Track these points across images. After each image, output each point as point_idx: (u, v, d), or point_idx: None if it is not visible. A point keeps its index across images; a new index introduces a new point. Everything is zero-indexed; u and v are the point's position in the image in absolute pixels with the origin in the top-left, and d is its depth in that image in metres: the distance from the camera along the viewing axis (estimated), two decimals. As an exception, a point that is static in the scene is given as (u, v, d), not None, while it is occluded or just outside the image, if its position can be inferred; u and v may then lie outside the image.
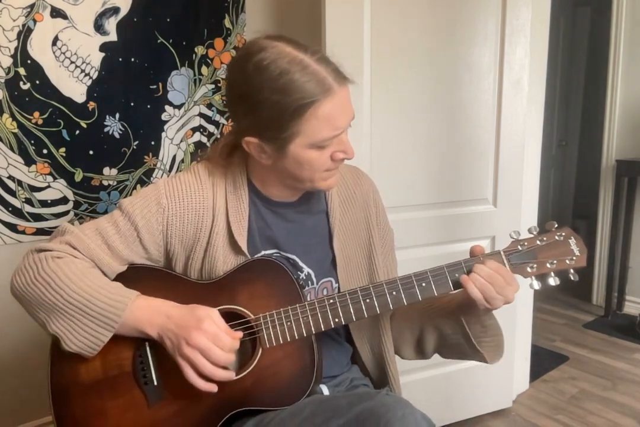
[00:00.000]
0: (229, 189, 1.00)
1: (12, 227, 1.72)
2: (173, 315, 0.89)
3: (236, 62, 0.94)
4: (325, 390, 1.03)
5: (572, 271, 0.94)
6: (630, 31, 2.87)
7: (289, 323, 0.93)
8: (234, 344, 0.89)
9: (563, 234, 0.95)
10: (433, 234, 1.82)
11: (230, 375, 0.89)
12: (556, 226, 0.95)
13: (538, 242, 0.94)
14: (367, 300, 0.93)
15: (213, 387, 0.88)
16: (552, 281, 0.94)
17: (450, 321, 1.01)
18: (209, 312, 0.89)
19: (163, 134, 1.94)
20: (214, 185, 1.00)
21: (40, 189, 1.75)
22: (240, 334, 0.90)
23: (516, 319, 2.03)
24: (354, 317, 0.93)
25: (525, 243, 0.95)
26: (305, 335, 0.92)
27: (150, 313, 0.90)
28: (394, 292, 0.93)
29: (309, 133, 0.89)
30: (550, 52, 2.02)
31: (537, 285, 0.94)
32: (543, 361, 2.47)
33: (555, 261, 0.93)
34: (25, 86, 1.66)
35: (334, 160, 0.94)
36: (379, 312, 0.93)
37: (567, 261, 0.93)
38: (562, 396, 2.21)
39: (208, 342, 0.86)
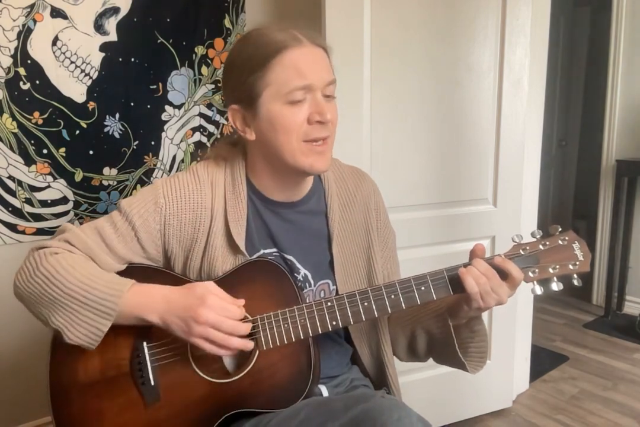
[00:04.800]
0: (227, 188, 1.00)
1: (12, 227, 1.72)
2: (172, 299, 0.89)
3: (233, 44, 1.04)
4: (324, 391, 1.03)
5: (575, 276, 0.92)
6: (630, 31, 2.87)
7: (286, 325, 0.92)
8: (242, 312, 0.89)
9: (566, 238, 0.93)
10: (433, 234, 1.82)
11: (246, 343, 0.89)
12: (560, 229, 0.93)
13: (540, 246, 0.93)
14: (365, 303, 0.92)
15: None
16: (555, 286, 0.92)
17: (439, 324, 1.00)
18: (207, 286, 0.89)
19: (163, 134, 1.94)
20: (213, 184, 1.00)
21: (40, 189, 1.75)
22: (242, 301, 0.91)
23: (516, 319, 2.03)
24: (351, 320, 0.93)
25: (528, 247, 0.93)
26: (302, 337, 0.92)
27: (149, 299, 0.90)
28: (393, 296, 0.92)
29: (277, 82, 0.91)
30: (550, 52, 2.01)
31: (539, 290, 0.92)
32: (543, 361, 2.47)
33: (557, 266, 0.92)
34: (25, 86, 1.66)
35: (310, 123, 0.93)
36: (377, 315, 0.93)
37: (570, 266, 0.92)
38: (562, 396, 2.21)
39: (217, 316, 0.86)
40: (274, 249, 1.02)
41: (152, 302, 0.89)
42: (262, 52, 0.90)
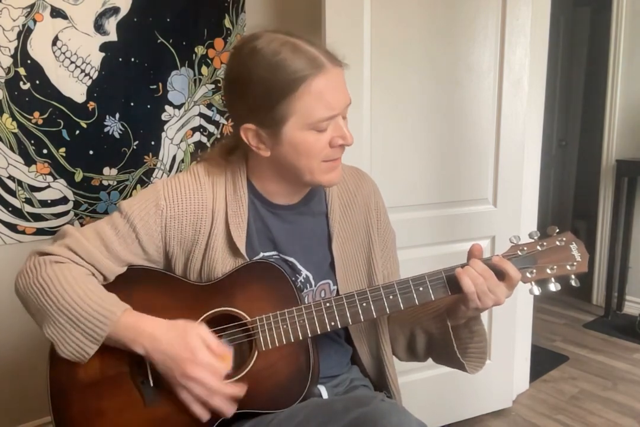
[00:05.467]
0: (228, 190, 1.00)
1: (12, 227, 1.72)
2: (160, 338, 0.88)
3: (233, 51, 0.96)
4: (323, 391, 1.03)
5: (573, 276, 0.92)
6: (630, 31, 2.87)
7: (285, 326, 0.92)
8: (227, 368, 0.88)
9: (564, 239, 0.93)
10: (433, 234, 1.82)
11: (227, 408, 0.89)
12: (557, 230, 0.94)
13: (538, 247, 0.93)
14: (364, 304, 0.92)
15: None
16: (553, 286, 0.93)
17: (438, 324, 1.01)
18: (201, 334, 0.88)
19: (163, 134, 1.94)
20: (214, 186, 1.00)
21: (40, 189, 1.75)
22: (230, 351, 0.90)
23: (516, 319, 2.03)
24: (350, 320, 0.93)
25: (525, 248, 0.93)
26: (300, 338, 0.92)
27: (136, 332, 0.89)
28: (391, 297, 0.92)
29: (303, 112, 0.89)
30: (550, 52, 2.02)
31: (537, 291, 0.93)
32: (543, 361, 2.47)
33: (555, 266, 0.92)
34: (25, 86, 1.66)
35: (332, 146, 0.93)
36: (375, 316, 0.93)
37: (568, 267, 0.92)
38: (562, 396, 2.21)
39: (205, 374, 0.86)
40: (274, 252, 1.02)
41: (138, 335, 0.89)
42: (285, 79, 0.87)
